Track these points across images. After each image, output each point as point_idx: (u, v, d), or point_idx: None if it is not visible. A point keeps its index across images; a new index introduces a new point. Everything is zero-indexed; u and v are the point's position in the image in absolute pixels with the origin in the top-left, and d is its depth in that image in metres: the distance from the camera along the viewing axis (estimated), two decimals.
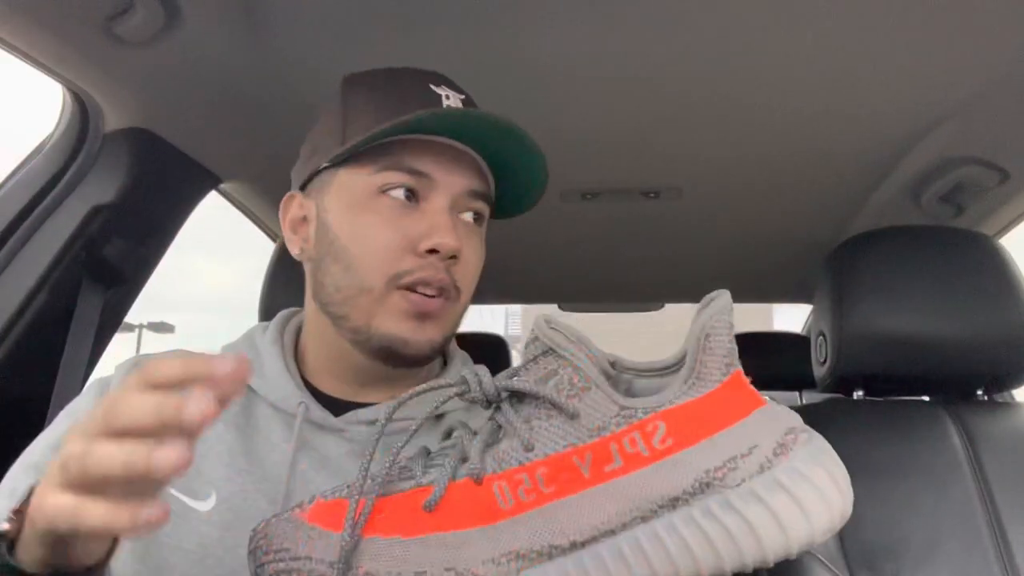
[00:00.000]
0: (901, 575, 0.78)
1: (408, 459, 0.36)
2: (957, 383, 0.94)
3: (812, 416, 0.97)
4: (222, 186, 1.12)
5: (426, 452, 0.37)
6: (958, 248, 0.93)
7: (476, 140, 0.56)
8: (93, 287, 0.89)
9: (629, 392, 0.36)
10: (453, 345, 0.66)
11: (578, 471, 0.31)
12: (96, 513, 0.31)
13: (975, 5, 0.75)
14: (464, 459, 0.34)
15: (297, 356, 0.63)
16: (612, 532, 0.30)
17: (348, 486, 0.34)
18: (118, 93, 0.85)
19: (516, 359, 1.87)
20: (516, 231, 1.14)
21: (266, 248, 1.24)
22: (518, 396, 0.35)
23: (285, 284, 1.03)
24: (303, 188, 0.62)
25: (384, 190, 0.55)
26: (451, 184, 0.56)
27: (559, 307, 2.02)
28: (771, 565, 0.30)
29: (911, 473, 0.84)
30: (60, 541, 0.34)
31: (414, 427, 0.36)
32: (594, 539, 0.30)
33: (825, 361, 0.97)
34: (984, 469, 0.84)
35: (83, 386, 0.90)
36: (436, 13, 0.80)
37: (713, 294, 0.35)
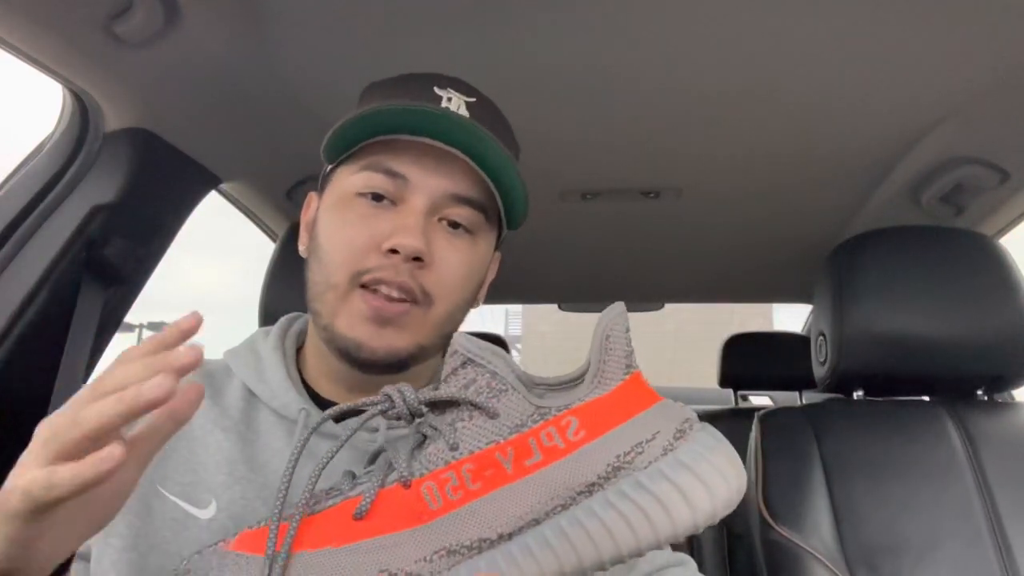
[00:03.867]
0: (901, 574, 0.78)
1: (335, 482, 0.38)
2: (957, 383, 0.94)
3: (812, 416, 0.98)
4: (222, 186, 1.12)
5: (351, 475, 0.39)
6: (958, 248, 0.93)
7: (460, 144, 0.54)
8: (93, 287, 0.89)
9: None
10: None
11: (501, 467, 0.33)
12: (65, 473, 0.33)
13: (975, 6, 0.75)
14: (391, 469, 0.35)
15: (299, 361, 0.63)
16: (536, 521, 0.32)
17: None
18: (118, 93, 0.85)
19: (516, 359, 1.87)
20: (516, 231, 1.14)
21: (266, 248, 1.24)
22: (439, 408, 0.36)
23: (285, 284, 1.03)
24: (321, 190, 0.62)
25: (359, 192, 0.55)
26: (430, 186, 0.54)
27: (559, 307, 2.02)
28: (680, 540, 0.33)
29: (911, 473, 0.84)
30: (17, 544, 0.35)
31: (335, 448, 0.37)
32: (520, 530, 0.32)
33: (825, 361, 0.97)
34: (984, 469, 0.84)
35: (83, 386, 0.90)
36: (436, 14, 0.80)
37: (611, 306, 0.37)
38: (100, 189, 0.88)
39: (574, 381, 0.37)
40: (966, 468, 0.84)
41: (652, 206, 1.28)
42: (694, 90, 0.93)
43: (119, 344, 1.03)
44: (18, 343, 0.81)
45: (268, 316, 1.04)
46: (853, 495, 0.84)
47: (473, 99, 0.57)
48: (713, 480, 0.33)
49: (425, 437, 0.36)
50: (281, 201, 1.23)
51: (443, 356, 0.66)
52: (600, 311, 0.37)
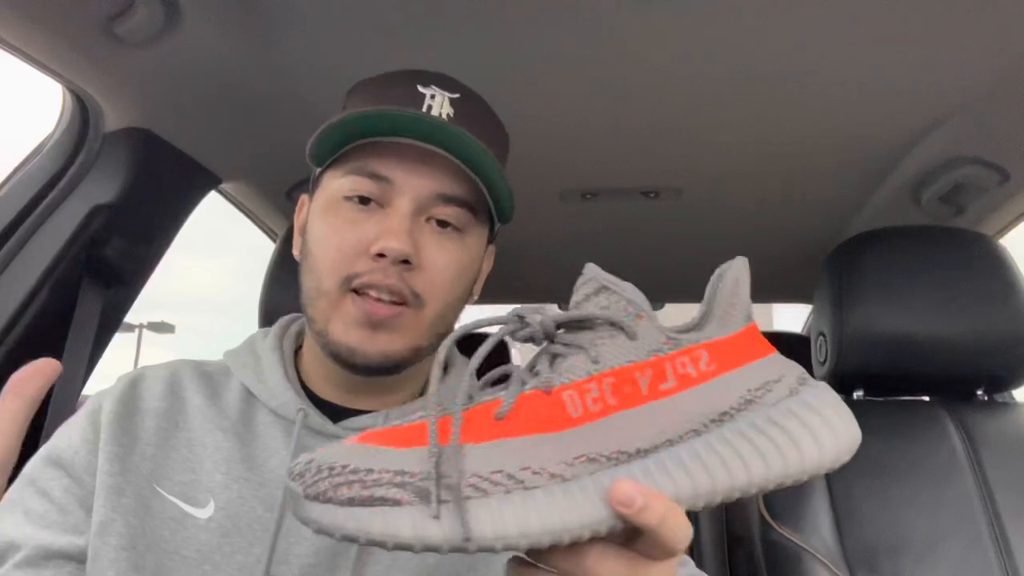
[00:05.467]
0: (901, 574, 0.78)
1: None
2: (957, 383, 0.94)
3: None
4: (222, 186, 1.12)
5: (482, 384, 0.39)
6: (958, 248, 0.93)
7: (443, 143, 0.54)
8: (93, 287, 0.89)
9: None
10: (453, 350, 0.66)
11: (638, 386, 0.34)
12: None
13: (975, 6, 0.75)
14: (532, 376, 0.36)
15: (298, 362, 0.63)
16: (670, 443, 0.33)
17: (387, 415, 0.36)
18: (118, 93, 0.85)
19: (516, 358, 1.86)
20: (516, 231, 1.14)
21: (266, 248, 1.24)
22: (572, 329, 0.37)
23: (285, 284, 1.03)
24: (312, 193, 0.62)
25: (345, 196, 0.55)
26: (415, 187, 0.54)
27: (559, 307, 2.02)
28: (806, 478, 0.34)
29: (911, 473, 0.84)
30: None
31: (445, 345, 0.37)
32: (655, 448, 0.33)
33: (825, 361, 0.97)
34: (984, 469, 0.84)
35: (83, 386, 0.90)
36: (436, 14, 0.80)
37: (736, 258, 0.39)
38: (100, 189, 0.88)
39: (692, 327, 0.39)
40: (966, 468, 0.84)
41: (652, 206, 1.28)
42: (694, 90, 0.93)
43: (119, 344, 1.03)
44: (18, 343, 0.81)
45: (268, 316, 1.04)
46: (853, 495, 0.84)
47: (457, 95, 0.57)
48: (836, 424, 0.34)
49: (555, 356, 0.36)
50: (281, 201, 1.23)
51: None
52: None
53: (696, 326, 0.38)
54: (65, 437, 0.55)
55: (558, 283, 1.79)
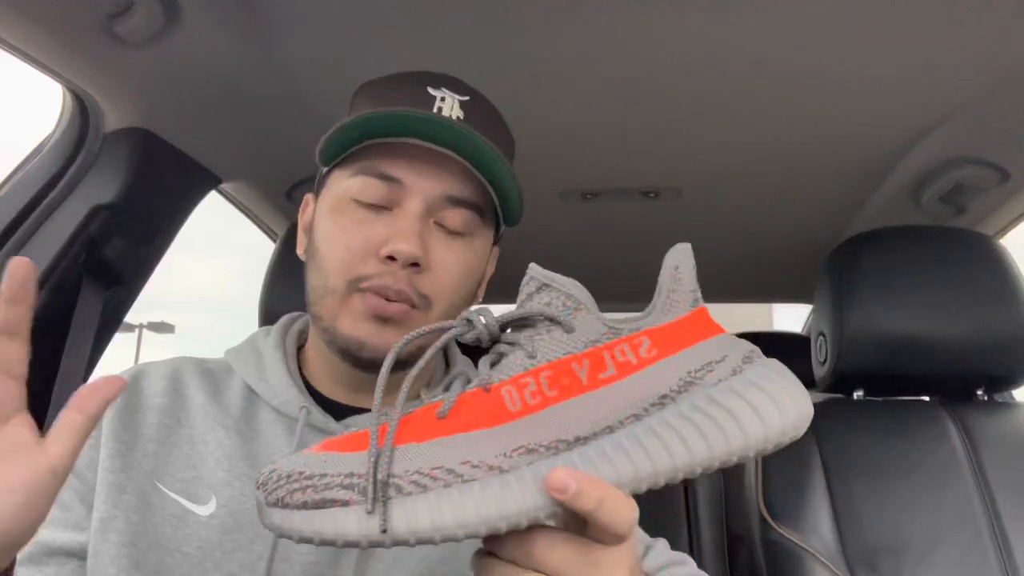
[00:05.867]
0: (901, 574, 0.78)
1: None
2: (957, 383, 0.94)
3: (812, 416, 0.97)
4: (222, 186, 1.12)
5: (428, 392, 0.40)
6: (958, 248, 0.93)
7: (453, 146, 0.54)
8: (93, 287, 0.89)
9: None
10: (454, 350, 0.66)
11: (577, 377, 0.35)
12: None
13: (975, 6, 0.75)
14: (472, 378, 0.37)
15: (300, 360, 0.63)
16: (610, 429, 0.34)
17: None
18: (118, 93, 0.85)
19: None
20: (516, 231, 1.13)
21: (266, 248, 1.24)
22: (516, 328, 0.38)
23: (285, 284, 1.03)
24: (317, 192, 0.62)
25: (354, 196, 0.55)
26: (425, 189, 0.54)
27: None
28: (751, 456, 0.34)
29: (911, 473, 0.84)
30: None
31: (395, 349, 0.39)
32: (595, 435, 0.34)
33: (825, 361, 0.97)
34: (984, 469, 0.84)
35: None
36: (436, 14, 0.80)
37: (677, 244, 0.40)
38: (100, 189, 0.88)
39: (642, 317, 0.39)
40: (966, 468, 0.84)
41: (652, 206, 1.28)
42: (694, 90, 0.93)
43: (119, 344, 1.03)
44: None
45: (268, 316, 1.04)
46: (853, 495, 0.83)
47: (467, 97, 0.57)
48: (782, 399, 0.34)
49: (501, 355, 0.38)
50: (281, 201, 1.23)
51: (444, 356, 0.66)
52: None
53: (642, 315, 0.39)
54: None
55: None
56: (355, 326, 0.54)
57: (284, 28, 0.83)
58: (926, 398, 0.97)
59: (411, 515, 0.32)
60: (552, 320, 0.37)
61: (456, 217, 0.55)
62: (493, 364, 0.37)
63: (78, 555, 0.51)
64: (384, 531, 0.32)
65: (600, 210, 1.31)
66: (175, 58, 0.82)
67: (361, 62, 0.88)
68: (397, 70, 0.60)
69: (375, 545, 0.32)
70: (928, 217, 1.18)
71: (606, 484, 0.32)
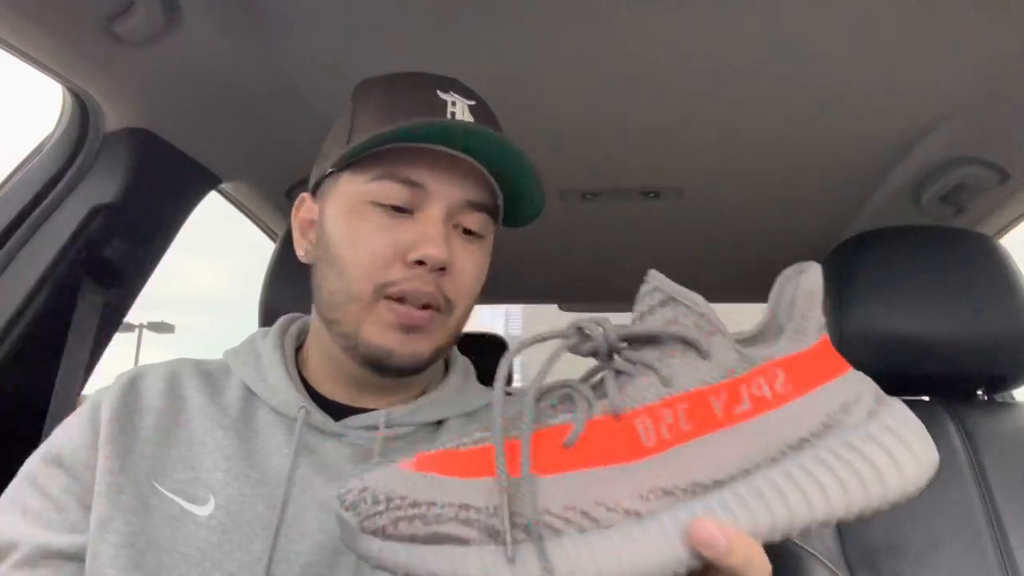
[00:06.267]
0: (901, 575, 0.78)
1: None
2: (957, 383, 0.94)
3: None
4: (222, 186, 1.12)
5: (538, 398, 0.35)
6: (958, 248, 0.93)
7: (472, 150, 0.55)
8: (93, 287, 0.89)
9: None
10: (454, 351, 0.66)
11: (712, 411, 0.32)
12: None
13: (975, 6, 0.75)
14: (598, 398, 0.33)
15: (299, 360, 0.63)
16: (747, 472, 0.31)
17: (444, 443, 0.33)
18: (118, 93, 0.85)
19: (517, 359, 1.86)
20: (516, 231, 1.14)
21: (266, 248, 1.24)
22: (637, 345, 0.34)
23: (285, 284, 1.03)
24: (314, 191, 0.62)
25: (375, 201, 0.55)
26: (447, 194, 0.55)
27: (559, 307, 2.02)
28: (887, 507, 0.31)
29: None
30: None
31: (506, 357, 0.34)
32: (732, 478, 0.31)
33: None
34: (984, 469, 0.84)
35: (83, 386, 0.90)
36: (436, 14, 0.80)
37: (807, 263, 0.36)
38: (100, 189, 0.88)
39: (757, 336, 0.37)
40: (966, 469, 0.84)
41: (652, 206, 1.28)
42: (694, 90, 0.93)
43: (119, 344, 1.03)
44: (18, 343, 0.81)
45: (268, 316, 1.04)
46: None
47: (473, 102, 0.58)
48: (916, 448, 0.32)
49: (619, 373, 0.34)
50: (281, 201, 1.23)
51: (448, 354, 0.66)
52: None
53: (762, 338, 0.35)
54: (64, 435, 0.55)
55: (558, 283, 1.79)
56: (382, 335, 0.54)
57: (284, 28, 0.83)
58: (926, 398, 0.97)
59: (552, 563, 0.28)
60: (686, 342, 0.33)
61: (474, 220, 0.57)
62: (620, 384, 0.33)
63: (75, 557, 0.51)
64: None
65: (600, 210, 1.31)
66: (175, 58, 0.82)
67: (361, 62, 0.88)
68: (397, 70, 0.60)
69: None
70: (928, 217, 1.18)
71: (751, 540, 0.30)
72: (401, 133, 0.53)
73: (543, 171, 0.59)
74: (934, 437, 0.34)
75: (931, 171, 1.09)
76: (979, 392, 0.96)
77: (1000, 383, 0.94)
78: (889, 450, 0.32)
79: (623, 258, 1.56)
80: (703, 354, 0.33)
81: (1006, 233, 1.21)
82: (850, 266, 0.95)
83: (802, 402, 0.32)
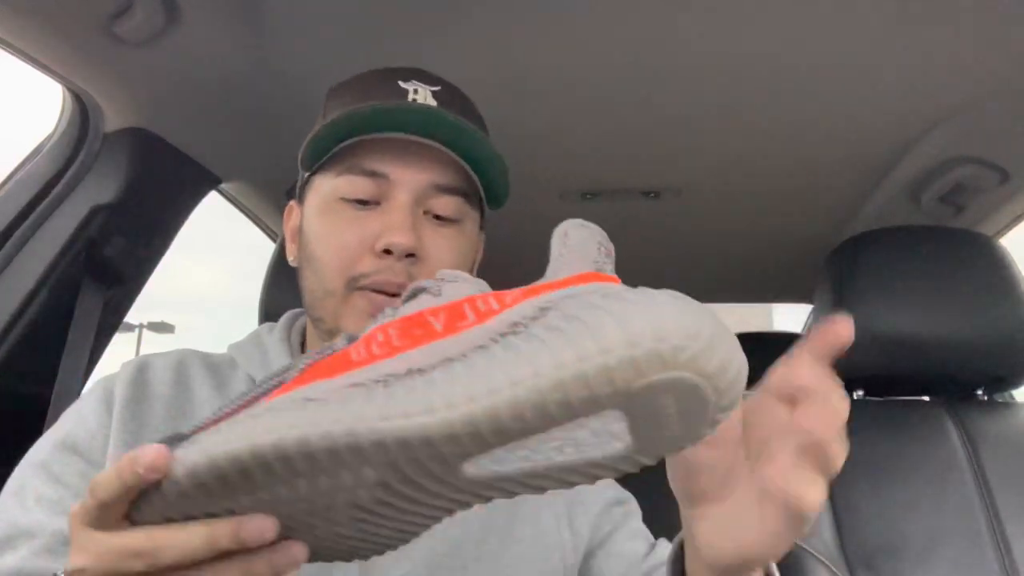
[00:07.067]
0: (901, 574, 0.78)
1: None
2: (957, 383, 0.94)
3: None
4: (222, 186, 1.12)
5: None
6: (958, 248, 0.93)
7: (434, 134, 0.54)
8: (93, 287, 0.89)
9: None
10: None
11: (431, 326, 0.32)
12: None
13: (975, 6, 0.75)
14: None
15: None
16: (450, 360, 0.29)
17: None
18: (118, 93, 0.85)
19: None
20: (516, 231, 1.14)
21: (266, 248, 1.24)
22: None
23: (285, 284, 1.03)
24: (300, 198, 0.62)
25: (342, 196, 0.55)
26: (410, 181, 0.55)
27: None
28: (615, 362, 0.26)
29: (911, 473, 0.84)
30: None
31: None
32: (432, 366, 0.29)
33: None
34: (984, 469, 0.84)
35: (83, 386, 0.90)
36: (436, 15, 0.80)
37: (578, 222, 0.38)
38: (100, 189, 0.88)
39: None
40: (966, 468, 0.84)
41: (652, 206, 1.28)
42: (694, 91, 0.93)
43: (119, 344, 1.03)
44: (18, 343, 0.81)
45: (268, 316, 1.04)
46: (853, 495, 0.83)
47: (438, 87, 0.57)
48: (660, 306, 0.27)
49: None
50: (281, 201, 1.23)
51: None
52: None
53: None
54: (79, 421, 0.55)
55: None
56: (360, 325, 0.53)
57: (284, 28, 0.83)
58: (926, 398, 0.97)
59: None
60: (426, 290, 0.36)
61: (445, 204, 0.56)
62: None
63: None
64: None
65: (600, 210, 1.31)
66: (175, 58, 0.82)
67: (361, 63, 0.87)
68: (372, 70, 0.61)
69: None
70: (928, 217, 1.18)
71: None
72: (356, 120, 0.52)
73: (542, 171, 0.59)
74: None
75: (931, 171, 1.09)
76: (979, 392, 0.96)
77: (1000, 383, 0.94)
78: (612, 311, 0.27)
79: (623, 258, 1.55)
80: (434, 293, 0.35)
81: (1006, 233, 1.21)
82: (850, 266, 0.95)
83: (527, 302, 0.31)
